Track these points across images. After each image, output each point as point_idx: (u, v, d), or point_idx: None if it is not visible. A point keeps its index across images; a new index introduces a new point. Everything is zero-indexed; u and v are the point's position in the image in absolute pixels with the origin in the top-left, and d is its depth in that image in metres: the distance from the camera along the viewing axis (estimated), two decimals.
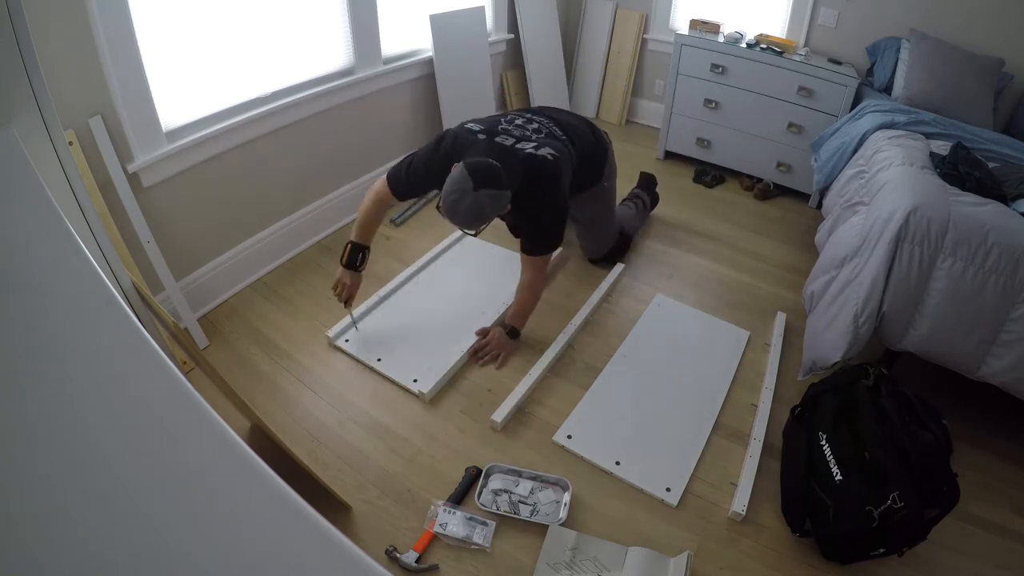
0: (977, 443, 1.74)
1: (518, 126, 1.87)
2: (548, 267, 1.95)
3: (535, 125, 1.89)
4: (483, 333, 1.97)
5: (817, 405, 1.60)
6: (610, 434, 1.69)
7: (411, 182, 1.87)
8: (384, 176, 1.91)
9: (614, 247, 2.40)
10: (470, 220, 1.61)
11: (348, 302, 1.95)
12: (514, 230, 1.93)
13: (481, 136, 1.79)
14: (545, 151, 1.77)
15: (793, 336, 2.11)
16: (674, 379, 1.90)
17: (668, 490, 1.54)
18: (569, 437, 1.67)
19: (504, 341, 1.92)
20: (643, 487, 1.55)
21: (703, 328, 2.15)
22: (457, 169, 1.59)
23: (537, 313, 2.15)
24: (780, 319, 2.18)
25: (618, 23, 3.73)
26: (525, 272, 1.90)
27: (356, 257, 1.92)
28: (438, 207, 1.63)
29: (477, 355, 1.92)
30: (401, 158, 1.92)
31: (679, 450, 1.66)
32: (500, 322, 2.00)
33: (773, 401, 1.83)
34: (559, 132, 1.92)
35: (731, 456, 1.66)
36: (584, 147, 1.99)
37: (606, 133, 2.20)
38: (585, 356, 1.98)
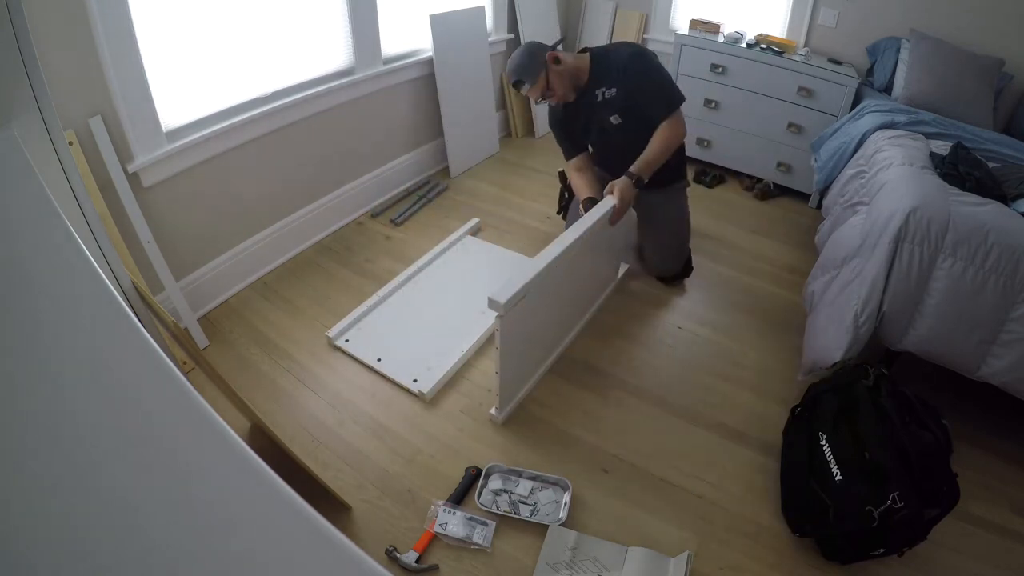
0: (977, 443, 1.74)
1: None
2: (683, 122, 2.02)
3: None
4: (611, 190, 1.93)
5: (817, 405, 1.60)
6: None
7: (563, 132, 2.13)
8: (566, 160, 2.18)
9: (686, 262, 2.34)
10: (512, 71, 1.92)
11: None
12: (641, 109, 1.97)
13: None
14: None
15: (793, 336, 2.11)
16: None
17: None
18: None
19: (632, 192, 1.89)
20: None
21: None
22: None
23: None
24: None
25: (618, 23, 3.73)
26: (664, 127, 1.96)
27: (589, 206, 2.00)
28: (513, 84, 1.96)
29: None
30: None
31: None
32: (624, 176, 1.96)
33: (773, 401, 1.83)
34: None
35: (731, 456, 1.66)
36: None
37: None
38: (587, 356, 1.98)
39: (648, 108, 1.96)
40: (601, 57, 1.99)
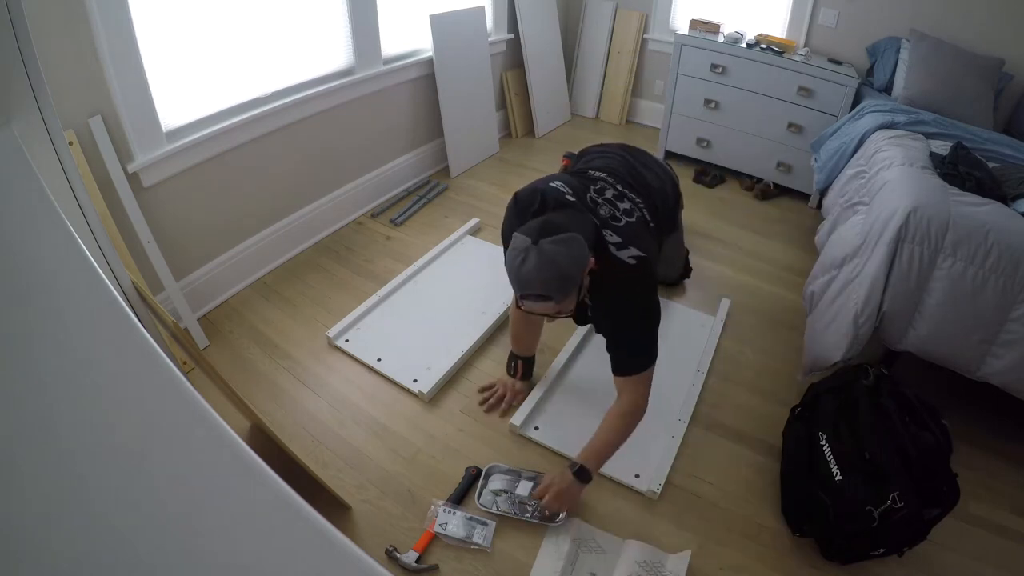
0: (977, 443, 1.74)
1: (608, 200, 1.47)
2: (649, 388, 1.45)
3: (626, 205, 1.49)
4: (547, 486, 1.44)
5: (817, 405, 1.60)
6: (577, 423, 1.65)
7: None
8: None
9: (683, 269, 2.32)
10: (547, 283, 1.21)
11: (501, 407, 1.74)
12: (608, 347, 1.46)
13: (571, 199, 1.41)
14: (632, 251, 1.37)
15: (793, 336, 2.11)
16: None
17: (637, 476, 1.55)
18: (536, 428, 1.68)
19: (569, 490, 1.41)
20: (611, 475, 1.56)
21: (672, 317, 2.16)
22: (515, 238, 1.27)
23: None
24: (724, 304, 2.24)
25: (618, 23, 3.73)
26: (624, 396, 1.45)
27: (512, 367, 1.78)
28: (517, 303, 1.33)
29: (525, 508, 1.46)
30: None
31: (647, 436, 1.57)
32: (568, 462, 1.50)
33: (772, 401, 1.83)
34: (646, 211, 1.53)
35: (731, 456, 1.66)
36: (665, 210, 1.69)
37: (671, 168, 1.96)
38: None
39: (615, 357, 1.44)
40: (599, 279, 1.38)
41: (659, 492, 1.52)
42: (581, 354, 1.96)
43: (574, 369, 1.90)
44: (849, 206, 2.11)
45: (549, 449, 1.63)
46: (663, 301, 2.26)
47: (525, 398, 1.76)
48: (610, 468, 1.56)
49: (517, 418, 1.67)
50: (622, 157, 1.70)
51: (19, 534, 0.42)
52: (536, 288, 1.22)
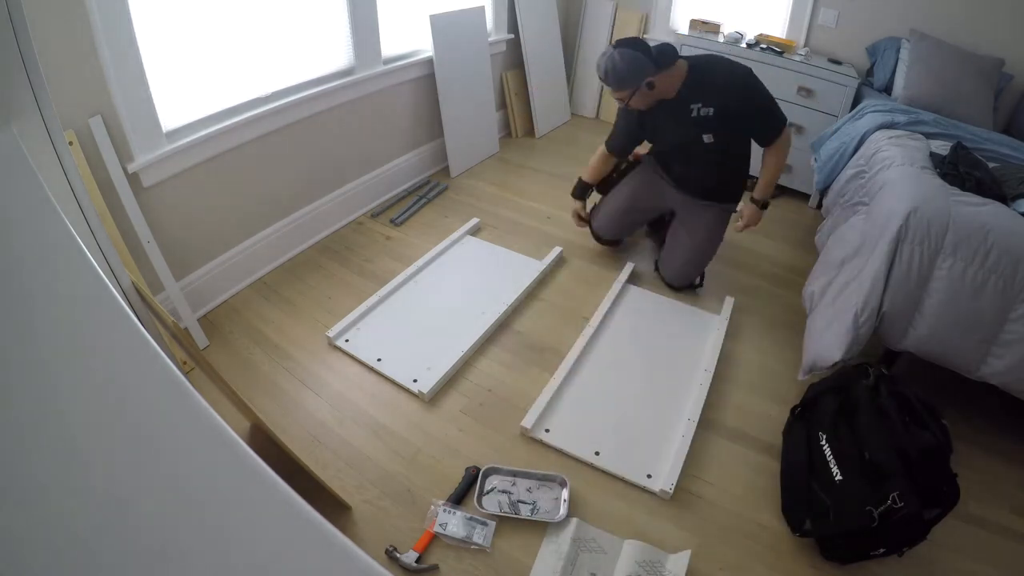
0: (977, 443, 1.74)
1: None
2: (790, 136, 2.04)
3: None
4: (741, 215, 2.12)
5: (817, 405, 1.60)
6: (588, 424, 1.70)
7: (627, 123, 2.13)
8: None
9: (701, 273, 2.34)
10: (606, 74, 1.83)
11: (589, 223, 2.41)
12: (739, 132, 2.00)
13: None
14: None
15: (793, 336, 2.11)
16: (647, 367, 1.93)
17: (649, 476, 1.55)
18: (547, 431, 1.67)
19: (758, 215, 2.11)
20: (623, 475, 1.56)
21: (677, 315, 2.21)
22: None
23: (546, 315, 2.15)
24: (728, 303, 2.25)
25: (618, 23, 3.73)
26: (775, 150, 2.01)
27: (581, 190, 2.38)
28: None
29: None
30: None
31: (657, 436, 1.68)
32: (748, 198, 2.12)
33: (772, 401, 1.83)
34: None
35: (731, 456, 1.66)
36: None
37: None
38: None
39: (752, 134, 2.01)
40: (699, 71, 1.91)
41: (671, 492, 1.51)
42: (591, 354, 1.95)
43: (584, 370, 1.89)
44: (849, 206, 2.11)
45: (560, 451, 1.63)
46: (667, 300, 2.26)
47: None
48: (620, 469, 1.57)
49: (528, 420, 1.67)
50: None
51: (19, 534, 0.42)
52: (604, 78, 1.86)
